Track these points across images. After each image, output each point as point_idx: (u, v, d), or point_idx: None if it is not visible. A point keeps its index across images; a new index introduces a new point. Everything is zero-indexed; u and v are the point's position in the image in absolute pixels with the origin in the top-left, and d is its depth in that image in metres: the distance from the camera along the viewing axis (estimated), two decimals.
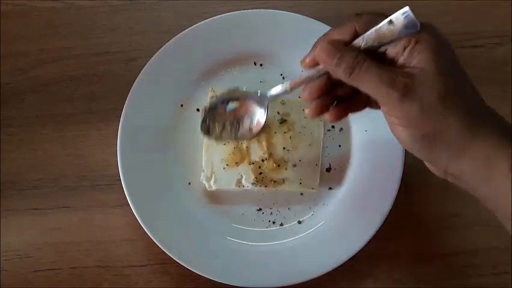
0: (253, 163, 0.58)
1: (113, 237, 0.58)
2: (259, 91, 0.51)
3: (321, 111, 0.46)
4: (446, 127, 0.40)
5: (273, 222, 0.58)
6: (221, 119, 0.53)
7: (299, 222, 0.58)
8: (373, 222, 0.55)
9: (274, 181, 0.58)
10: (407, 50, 0.40)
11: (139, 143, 0.58)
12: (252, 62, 0.62)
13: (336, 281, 0.57)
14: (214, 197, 0.59)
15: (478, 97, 0.41)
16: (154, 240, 0.55)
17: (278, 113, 0.59)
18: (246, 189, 0.58)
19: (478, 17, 0.65)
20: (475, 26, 0.65)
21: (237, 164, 0.58)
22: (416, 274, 0.58)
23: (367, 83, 0.41)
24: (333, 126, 0.61)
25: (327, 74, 0.45)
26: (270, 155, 0.58)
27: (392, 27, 0.40)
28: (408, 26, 0.39)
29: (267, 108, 0.51)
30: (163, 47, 0.60)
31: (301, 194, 0.59)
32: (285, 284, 0.54)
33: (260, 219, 0.58)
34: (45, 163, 0.60)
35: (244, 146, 0.58)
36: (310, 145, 0.59)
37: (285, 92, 0.48)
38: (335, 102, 0.47)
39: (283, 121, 0.59)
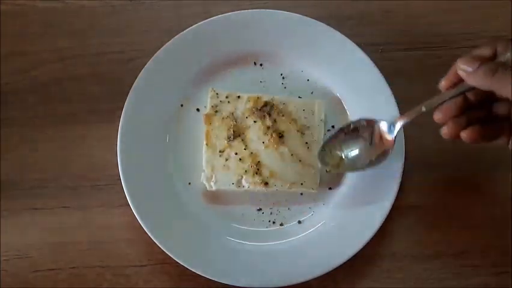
0: None
1: (113, 237, 0.58)
2: (381, 121, 0.53)
3: (456, 130, 0.47)
4: None
5: (273, 222, 0.58)
6: (340, 148, 0.55)
7: (299, 222, 0.58)
8: (373, 222, 0.55)
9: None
10: None
11: (139, 143, 0.58)
12: (252, 62, 0.62)
13: (336, 281, 0.57)
14: (214, 197, 0.59)
15: None
16: (154, 240, 0.55)
17: (275, 120, 0.59)
18: (246, 190, 0.58)
19: (478, 17, 0.65)
20: (475, 26, 0.65)
21: (240, 160, 0.58)
22: (416, 274, 0.58)
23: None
24: (333, 126, 0.61)
25: (462, 95, 0.46)
26: None
27: None
28: None
29: (395, 137, 0.53)
30: (163, 47, 0.60)
31: (301, 194, 0.59)
32: (285, 284, 0.54)
33: (260, 219, 0.58)
34: (45, 163, 0.60)
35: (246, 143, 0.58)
36: (310, 146, 0.59)
37: (418, 114, 0.50)
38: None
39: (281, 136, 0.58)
